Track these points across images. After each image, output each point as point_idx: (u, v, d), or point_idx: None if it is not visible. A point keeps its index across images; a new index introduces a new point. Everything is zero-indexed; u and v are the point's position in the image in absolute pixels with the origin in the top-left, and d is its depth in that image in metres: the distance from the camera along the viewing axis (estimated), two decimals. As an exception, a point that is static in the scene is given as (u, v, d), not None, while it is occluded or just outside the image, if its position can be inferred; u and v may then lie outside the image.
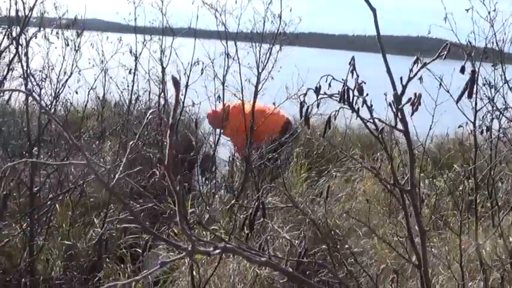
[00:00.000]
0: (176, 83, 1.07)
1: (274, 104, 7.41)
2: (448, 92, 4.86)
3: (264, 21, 6.65)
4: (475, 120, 5.13)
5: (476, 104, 5.10)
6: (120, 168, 1.43)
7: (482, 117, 5.24)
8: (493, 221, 5.48)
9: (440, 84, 4.83)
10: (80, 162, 1.34)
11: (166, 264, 1.14)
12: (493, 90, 5.30)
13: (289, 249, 4.93)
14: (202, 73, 6.89)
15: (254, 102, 6.71)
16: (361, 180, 7.57)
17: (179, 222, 1.12)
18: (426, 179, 6.98)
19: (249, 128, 6.81)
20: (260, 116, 7.36)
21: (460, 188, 6.03)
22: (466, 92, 1.79)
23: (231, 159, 7.72)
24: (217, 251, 1.19)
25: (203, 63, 6.87)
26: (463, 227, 4.51)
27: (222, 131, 7.67)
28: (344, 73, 2.37)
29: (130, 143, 1.70)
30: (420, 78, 2.66)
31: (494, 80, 5.35)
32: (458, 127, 5.27)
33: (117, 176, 1.42)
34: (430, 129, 5.21)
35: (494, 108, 5.20)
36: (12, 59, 4.90)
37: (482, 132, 5.22)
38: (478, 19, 5.28)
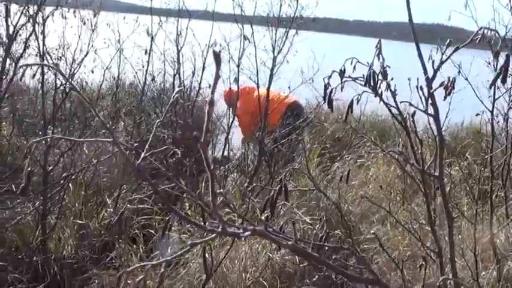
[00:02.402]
0: (217, 56, 1.05)
1: (289, 88, 7.35)
2: (466, 79, 4.83)
3: (281, 4, 6.59)
4: (493, 109, 5.07)
5: (494, 92, 5.05)
6: (146, 146, 1.42)
7: (508, 104, 5.16)
8: (506, 211, 5.45)
9: (459, 72, 4.80)
10: (107, 139, 1.33)
11: (196, 246, 1.12)
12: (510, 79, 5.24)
13: (302, 235, 4.92)
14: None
15: (269, 85, 6.66)
16: (375, 167, 7.55)
17: (212, 201, 1.10)
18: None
19: (262, 111, 6.77)
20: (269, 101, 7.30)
21: (474, 176, 6.00)
22: (500, 77, 1.76)
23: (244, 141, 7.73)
24: (248, 233, 1.17)
25: (220, 45, 6.82)
26: (477, 216, 4.49)
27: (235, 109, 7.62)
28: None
29: (157, 121, 1.68)
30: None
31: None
32: (476, 115, 5.24)
33: (143, 154, 1.40)
34: (446, 117, 5.16)
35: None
36: (29, 36, 4.89)
37: (506, 119, 5.16)
38: (498, 7, 5.21)
